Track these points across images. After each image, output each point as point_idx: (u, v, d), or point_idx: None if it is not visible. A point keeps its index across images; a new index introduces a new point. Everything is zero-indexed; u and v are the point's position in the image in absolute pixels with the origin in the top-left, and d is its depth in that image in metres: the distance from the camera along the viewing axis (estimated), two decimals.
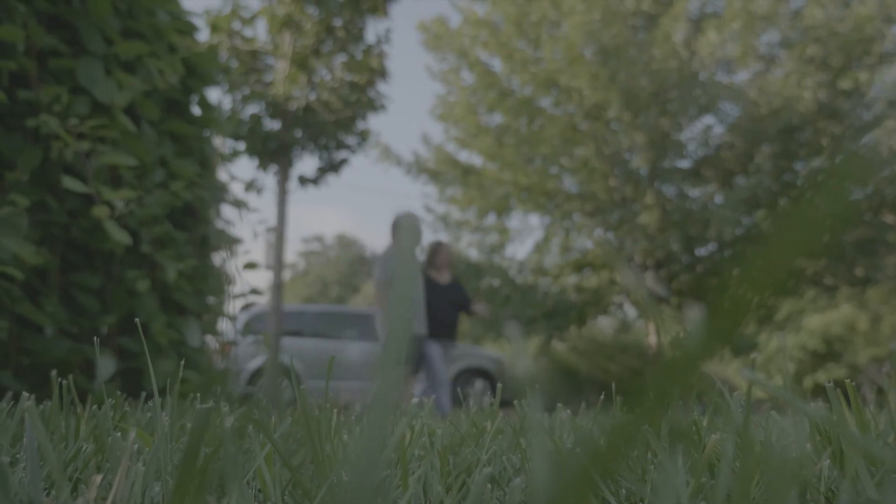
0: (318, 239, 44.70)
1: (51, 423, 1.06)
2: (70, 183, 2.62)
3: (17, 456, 0.94)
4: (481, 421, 1.31)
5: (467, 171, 13.98)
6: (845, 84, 12.08)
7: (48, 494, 0.79)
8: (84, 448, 0.89)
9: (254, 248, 19.72)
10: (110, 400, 1.08)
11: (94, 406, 1.09)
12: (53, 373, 0.94)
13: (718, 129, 13.38)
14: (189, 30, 3.61)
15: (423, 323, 5.46)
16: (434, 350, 5.62)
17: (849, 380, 0.86)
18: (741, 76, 13.22)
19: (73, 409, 1.04)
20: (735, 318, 0.25)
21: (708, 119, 13.41)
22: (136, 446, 0.80)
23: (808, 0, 12.43)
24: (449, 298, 5.81)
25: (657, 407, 0.23)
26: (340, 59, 6.55)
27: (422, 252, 5.85)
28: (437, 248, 5.93)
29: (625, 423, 0.23)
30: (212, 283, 3.48)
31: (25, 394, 0.86)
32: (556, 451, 0.90)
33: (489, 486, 0.83)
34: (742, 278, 0.25)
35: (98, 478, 0.66)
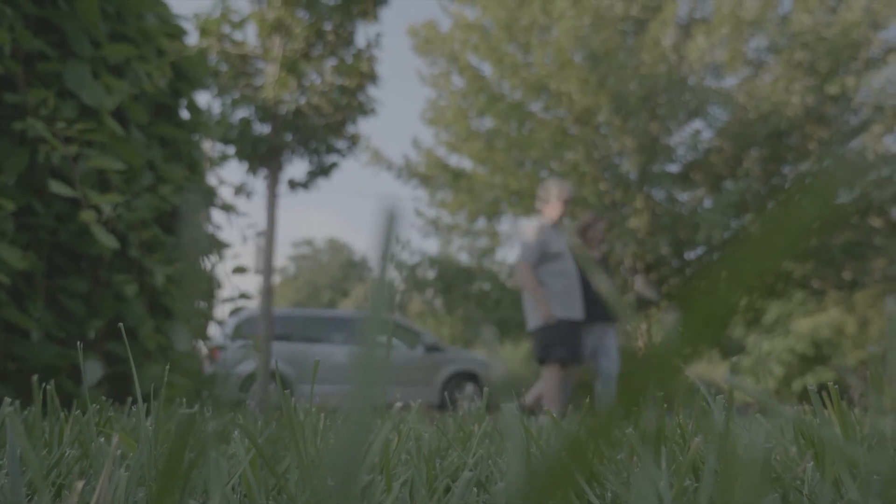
0: (309, 243, 44.61)
1: (34, 429, 1.05)
2: (57, 187, 2.61)
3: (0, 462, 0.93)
4: (469, 425, 1.31)
5: (457, 175, 13.99)
6: (832, 89, 12.18)
7: (30, 500, 0.79)
8: (67, 453, 0.89)
9: (243, 252, 19.64)
10: (94, 405, 1.08)
11: (78, 411, 1.09)
12: (35, 378, 0.93)
13: (707, 134, 13.46)
14: (178, 33, 3.60)
15: (580, 306, 4.78)
16: (608, 339, 5.04)
17: (833, 383, 0.87)
18: (730, 81, 13.31)
19: (57, 415, 1.03)
20: (712, 320, 0.25)
21: (697, 123, 13.47)
22: (119, 451, 0.79)
23: (796, 6, 12.53)
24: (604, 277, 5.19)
25: (629, 407, 0.24)
26: (331, 63, 6.55)
27: (566, 226, 5.02)
28: (591, 221, 5.34)
29: (594, 423, 0.23)
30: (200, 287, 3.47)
31: (7, 399, 0.85)
32: (533, 454, 0.90)
33: (475, 489, 0.83)
34: (722, 280, 0.25)
35: (80, 483, 0.66)
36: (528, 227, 4.84)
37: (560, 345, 4.57)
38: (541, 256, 4.71)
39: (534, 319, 4.71)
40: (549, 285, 4.69)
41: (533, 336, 4.79)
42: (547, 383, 4.60)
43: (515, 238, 5.03)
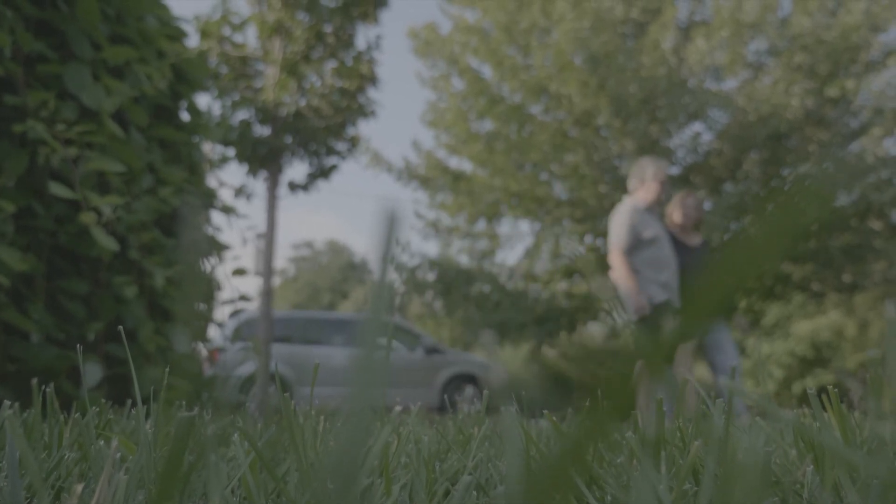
0: (309, 245, 44.61)
1: (34, 431, 1.05)
2: (57, 189, 2.61)
3: None
4: (468, 427, 1.31)
5: (457, 178, 14.00)
6: (832, 92, 12.19)
7: (29, 503, 0.79)
8: (67, 456, 0.89)
9: (243, 254, 19.62)
10: (94, 407, 1.08)
11: (78, 414, 1.09)
12: (34, 381, 0.93)
13: (707, 136, 13.47)
14: (178, 35, 3.60)
15: (678, 296, 4.37)
16: (722, 333, 4.58)
17: (833, 386, 0.87)
18: (729, 83, 13.32)
19: (57, 417, 1.03)
20: (702, 316, 0.25)
21: (697, 126, 13.49)
22: (118, 454, 0.79)
23: (796, 9, 12.55)
24: (699, 263, 4.53)
25: (623, 408, 0.24)
26: (331, 65, 6.55)
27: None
28: (688, 200, 4.81)
29: (589, 424, 0.23)
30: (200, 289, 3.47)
31: (7, 402, 0.85)
32: (532, 457, 0.90)
33: (475, 493, 0.83)
34: (713, 276, 0.25)
35: (79, 487, 0.66)
36: (620, 210, 4.44)
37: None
38: (634, 242, 4.33)
39: (628, 311, 4.31)
40: (643, 274, 4.33)
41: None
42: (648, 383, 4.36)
43: (612, 218, 4.54)
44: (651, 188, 4.45)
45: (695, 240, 4.77)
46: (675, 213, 4.75)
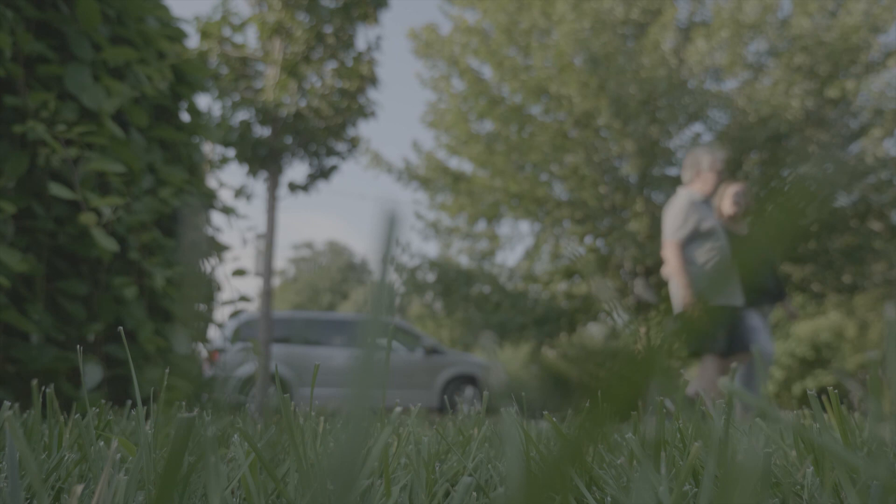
0: (308, 245, 44.61)
1: (33, 432, 1.05)
2: (57, 190, 2.61)
3: None
4: (468, 428, 1.31)
5: (458, 178, 14.00)
6: (832, 92, 12.20)
7: None
8: (66, 457, 0.89)
9: (243, 254, 19.63)
10: (94, 408, 1.08)
11: (78, 415, 1.09)
12: (34, 382, 0.93)
13: (707, 137, 13.47)
14: (178, 36, 3.60)
15: (738, 290, 4.13)
16: (755, 321, 4.39)
17: (833, 387, 0.87)
18: (729, 84, 13.33)
19: (57, 418, 1.03)
20: (692, 321, 0.25)
21: (697, 127, 13.49)
22: (118, 455, 0.79)
23: (796, 10, 12.56)
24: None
25: (619, 409, 0.24)
26: (331, 65, 6.56)
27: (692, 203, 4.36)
28: (735, 192, 4.63)
29: (586, 424, 0.23)
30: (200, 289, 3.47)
31: (7, 402, 0.85)
32: (532, 458, 0.90)
33: (475, 494, 0.83)
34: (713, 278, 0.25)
35: (79, 487, 0.66)
36: (677, 202, 4.28)
37: (717, 334, 4.04)
38: (691, 234, 4.17)
39: (679, 305, 4.16)
40: (700, 266, 4.16)
41: None
42: (704, 378, 4.10)
43: (667, 210, 4.37)
44: (708, 179, 4.33)
45: (743, 231, 4.54)
46: (726, 204, 4.60)
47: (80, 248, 2.81)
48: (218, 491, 0.57)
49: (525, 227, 22.24)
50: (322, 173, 6.76)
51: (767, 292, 4.60)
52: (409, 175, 14.17)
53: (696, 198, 4.28)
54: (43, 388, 1.06)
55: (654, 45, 12.40)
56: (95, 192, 2.85)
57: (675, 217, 4.20)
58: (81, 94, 2.81)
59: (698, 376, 4.21)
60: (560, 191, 13.91)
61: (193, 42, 6.18)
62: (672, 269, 4.17)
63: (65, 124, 2.75)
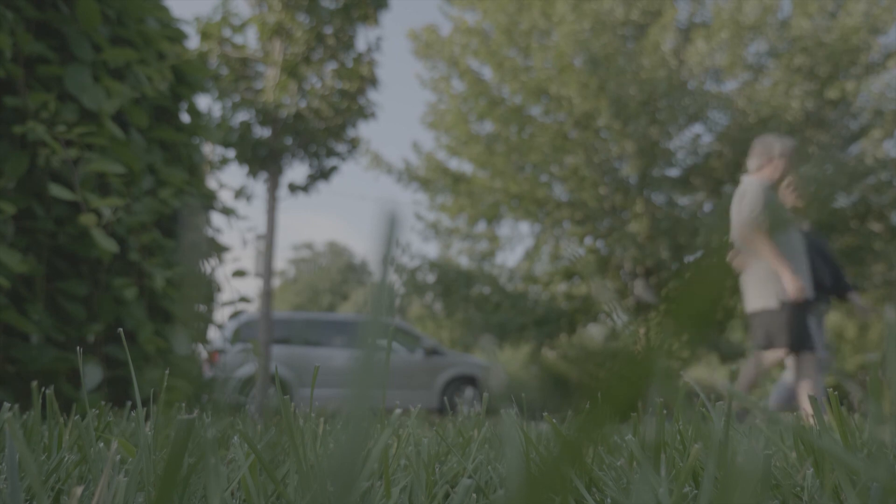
0: (308, 246, 44.61)
1: (33, 433, 1.05)
2: (57, 190, 2.61)
3: None
4: (468, 430, 1.31)
5: (458, 179, 14.00)
6: (832, 94, 12.20)
7: None
8: (66, 458, 0.88)
9: (243, 255, 19.61)
10: (94, 409, 1.08)
11: (77, 416, 1.09)
12: (34, 383, 0.93)
13: (707, 138, 13.48)
14: (178, 37, 3.60)
15: (809, 284, 3.92)
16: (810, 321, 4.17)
17: (833, 388, 0.87)
18: (729, 85, 13.34)
19: (56, 419, 1.03)
20: (688, 322, 0.25)
21: (697, 128, 13.50)
22: (118, 456, 0.79)
23: (796, 11, 12.56)
24: (816, 250, 4.27)
25: (616, 411, 0.24)
26: (331, 66, 6.56)
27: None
28: (800, 183, 4.36)
29: (585, 425, 0.23)
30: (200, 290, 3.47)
31: (6, 404, 0.85)
32: (532, 459, 0.90)
33: (475, 496, 0.83)
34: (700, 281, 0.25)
35: (79, 489, 0.66)
36: (751, 189, 3.99)
37: (797, 329, 3.86)
38: (766, 219, 3.83)
39: (764, 298, 3.92)
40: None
41: (766, 319, 3.95)
42: (803, 377, 3.92)
43: (738, 198, 3.96)
44: (779, 166, 4.12)
45: (805, 224, 4.45)
46: (790, 195, 4.36)
47: (80, 249, 2.81)
48: (218, 492, 0.57)
49: (525, 227, 22.23)
50: (322, 174, 6.76)
51: (823, 288, 4.33)
52: (409, 176, 14.17)
53: (767, 185, 4.04)
54: (43, 388, 1.06)
55: (654, 46, 12.40)
56: (95, 193, 2.85)
57: (756, 204, 3.92)
58: (81, 94, 2.81)
59: (797, 378, 4.01)
60: (560, 192, 13.92)
61: (194, 43, 6.19)
62: (766, 256, 3.89)
63: (65, 125, 2.75)
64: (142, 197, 3.12)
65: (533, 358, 15.09)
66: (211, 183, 4.72)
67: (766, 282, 3.94)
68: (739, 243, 4.04)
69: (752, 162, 4.25)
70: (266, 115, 6.34)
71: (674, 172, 13.60)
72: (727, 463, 0.60)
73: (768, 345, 3.94)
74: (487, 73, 13.82)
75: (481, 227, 14.48)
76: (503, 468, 0.98)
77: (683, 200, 13.62)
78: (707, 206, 13.24)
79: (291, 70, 6.36)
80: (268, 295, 6.48)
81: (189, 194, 3.48)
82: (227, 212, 3.86)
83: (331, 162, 6.73)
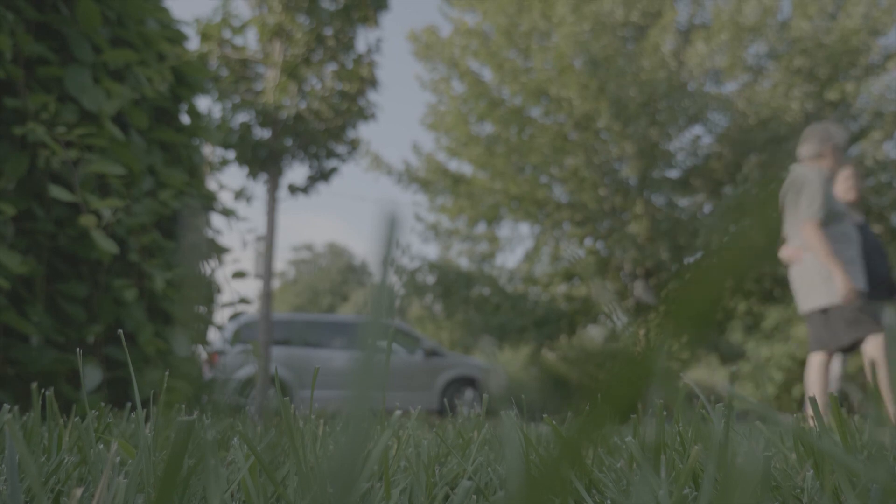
0: (308, 247, 44.61)
1: (33, 435, 1.05)
2: (57, 191, 2.61)
3: None
4: (468, 431, 1.31)
5: (458, 180, 14.01)
6: (832, 95, 12.21)
7: None
8: (66, 460, 0.88)
9: (243, 256, 19.62)
10: (93, 411, 1.08)
11: (77, 417, 1.09)
12: (34, 384, 0.93)
13: (707, 139, 13.49)
14: (179, 38, 3.60)
15: (864, 280, 3.76)
16: None
17: (832, 390, 0.87)
18: (729, 87, 13.35)
19: (56, 421, 1.03)
20: (686, 323, 0.25)
21: (697, 129, 13.53)
22: (118, 458, 0.79)
23: (795, 12, 12.57)
24: (871, 244, 4.05)
25: (615, 412, 0.24)
26: (331, 68, 6.56)
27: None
28: (857, 175, 4.19)
29: (581, 426, 0.23)
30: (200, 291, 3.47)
31: (6, 405, 0.85)
32: (531, 460, 0.90)
33: (474, 497, 0.83)
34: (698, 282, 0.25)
35: (79, 490, 0.66)
36: (809, 178, 3.75)
37: (865, 318, 3.67)
38: (828, 215, 3.70)
39: (820, 296, 3.73)
40: (834, 251, 3.72)
41: (822, 317, 3.77)
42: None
43: (794, 187, 3.69)
44: (836, 156, 3.92)
45: (859, 217, 4.25)
46: (845, 188, 4.19)
47: (79, 250, 2.81)
48: (217, 494, 0.57)
49: (525, 229, 22.23)
50: (322, 175, 6.76)
51: (882, 281, 4.13)
52: (409, 177, 14.17)
53: (825, 175, 3.82)
54: (43, 390, 1.06)
55: (653, 48, 12.41)
56: (95, 194, 2.85)
57: (814, 195, 3.67)
58: (81, 95, 2.81)
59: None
60: (560, 193, 13.92)
61: (194, 44, 6.19)
62: (815, 251, 3.68)
63: (65, 126, 2.76)
64: (142, 198, 3.12)
65: (533, 359, 15.09)
66: (211, 184, 4.72)
67: (820, 280, 3.74)
68: (792, 236, 3.83)
69: (806, 149, 3.98)
70: (266, 117, 6.34)
71: (674, 174, 13.61)
72: (727, 464, 0.60)
73: (820, 346, 3.79)
74: (487, 74, 13.83)
75: (481, 228, 14.49)
76: (503, 470, 0.98)
77: (683, 202, 13.63)
78: (707, 208, 13.24)
79: (291, 71, 6.37)
80: (268, 296, 6.48)
81: (189, 195, 3.48)
82: (227, 213, 3.86)
83: (331, 163, 6.73)
